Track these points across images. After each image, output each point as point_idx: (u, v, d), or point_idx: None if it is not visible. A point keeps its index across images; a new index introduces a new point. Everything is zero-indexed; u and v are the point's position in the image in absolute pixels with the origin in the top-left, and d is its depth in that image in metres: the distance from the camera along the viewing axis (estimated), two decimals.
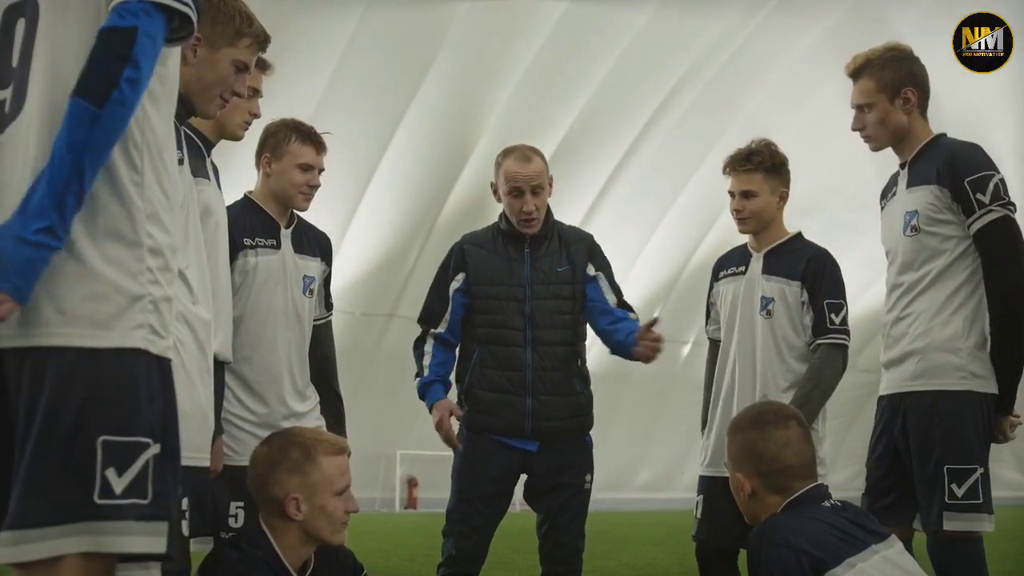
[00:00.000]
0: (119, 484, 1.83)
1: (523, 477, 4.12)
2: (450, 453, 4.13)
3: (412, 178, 17.60)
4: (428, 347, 4.14)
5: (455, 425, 4.14)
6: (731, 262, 4.23)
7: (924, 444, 3.46)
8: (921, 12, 15.39)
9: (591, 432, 4.17)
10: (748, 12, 16.94)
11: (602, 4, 16.27)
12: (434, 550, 4.07)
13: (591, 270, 4.13)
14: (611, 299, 4.13)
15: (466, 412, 4.06)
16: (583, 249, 4.14)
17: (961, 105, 15.73)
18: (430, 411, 4.04)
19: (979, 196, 3.44)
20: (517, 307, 4.02)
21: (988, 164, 3.50)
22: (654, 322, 3.91)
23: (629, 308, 4.17)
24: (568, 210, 16.81)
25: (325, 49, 15.28)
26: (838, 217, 19.29)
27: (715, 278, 4.28)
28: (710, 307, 4.32)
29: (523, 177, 4.02)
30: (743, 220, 4.09)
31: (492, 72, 17.01)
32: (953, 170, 3.48)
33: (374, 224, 17.75)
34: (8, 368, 1.88)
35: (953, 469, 3.39)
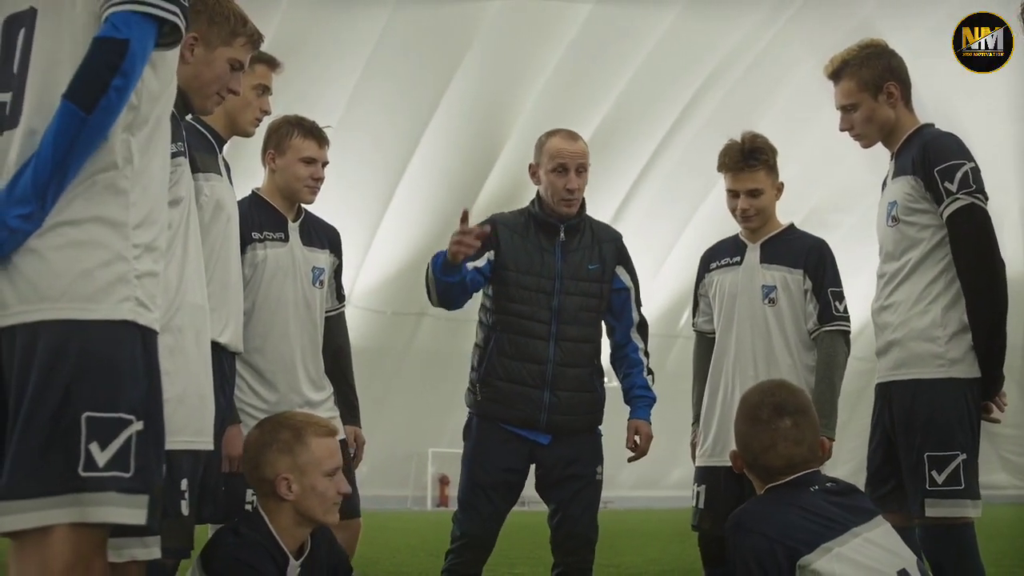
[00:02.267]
0: (102, 458, 1.92)
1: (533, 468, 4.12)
2: None
3: (442, 177, 17.68)
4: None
5: (464, 417, 4.16)
6: (723, 253, 4.25)
7: (907, 433, 3.49)
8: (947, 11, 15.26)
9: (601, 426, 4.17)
10: (775, 12, 16.90)
11: (628, 5, 16.28)
12: None
13: (623, 278, 4.14)
14: (634, 317, 4.17)
15: (479, 400, 4.05)
16: (613, 250, 4.14)
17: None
18: (444, 257, 3.79)
19: (947, 185, 3.45)
20: (545, 300, 3.99)
21: (959, 153, 3.51)
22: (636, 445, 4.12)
23: (644, 333, 4.19)
24: (598, 208, 16.79)
25: (354, 48, 15.40)
26: (871, 213, 19.16)
27: (706, 269, 4.29)
28: (699, 299, 4.33)
29: (569, 154, 4.00)
30: (750, 218, 4.11)
31: (521, 71, 17.08)
32: (925, 160, 3.50)
33: (404, 223, 17.84)
34: (3, 348, 1.98)
35: (933, 456, 3.41)
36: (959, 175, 3.45)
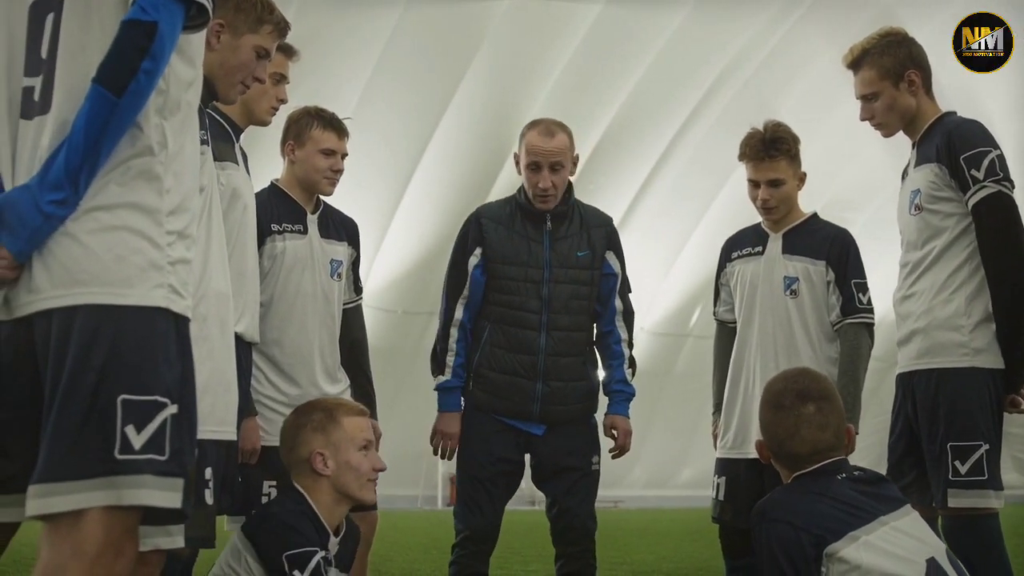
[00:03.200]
0: (138, 440, 1.92)
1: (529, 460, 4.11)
2: None
3: (452, 177, 17.65)
4: (452, 342, 4.03)
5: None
6: (744, 242, 4.19)
7: (930, 422, 3.46)
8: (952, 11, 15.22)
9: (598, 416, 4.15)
10: (785, 10, 16.84)
11: (638, 5, 16.26)
12: None
13: (613, 264, 4.09)
14: (618, 305, 4.11)
15: (472, 390, 4.03)
16: (603, 235, 4.08)
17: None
18: (440, 411, 4.07)
19: (973, 172, 3.41)
20: (534, 289, 3.95)
21: (985, 140, 3.48)
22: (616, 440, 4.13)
23: (629, 321, 4.14)
24: (609, 206, 16.76)
25: (365, 47, 15.40)
26: (882, 212, 19.10)
27: (727, 258, 4.23)
28: (720, 288, 4.28)
29: (543, 152, 3.92)
30: (771, 209, 4.04)
31: (531, 71, 17.05)
32: (950, 147, 3.47)
33: (415, 222, 17.82)
34: (37, 333, 1.97)
35: (956, 446, 3.37)
36: (986, 162, 3.42)
